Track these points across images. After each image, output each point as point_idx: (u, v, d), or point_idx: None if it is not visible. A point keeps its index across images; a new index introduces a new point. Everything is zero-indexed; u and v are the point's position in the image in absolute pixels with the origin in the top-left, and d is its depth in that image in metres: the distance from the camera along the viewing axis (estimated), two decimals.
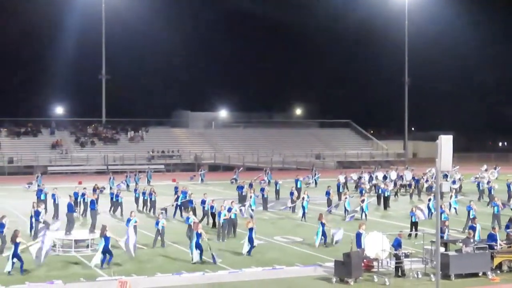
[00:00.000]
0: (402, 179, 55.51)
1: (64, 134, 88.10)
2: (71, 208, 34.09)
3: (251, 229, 28.66)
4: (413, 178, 54.53)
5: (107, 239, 26.21)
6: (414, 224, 32.28)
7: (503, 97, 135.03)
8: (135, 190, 45.04)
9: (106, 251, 26.18)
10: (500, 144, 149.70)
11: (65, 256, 28.12)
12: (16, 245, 25.08)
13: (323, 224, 30.42)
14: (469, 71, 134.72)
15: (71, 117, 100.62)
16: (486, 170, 61.16)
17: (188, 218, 31.27)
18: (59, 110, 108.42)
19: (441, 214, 33.14)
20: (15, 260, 24.93)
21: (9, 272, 24.70)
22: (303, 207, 38.67)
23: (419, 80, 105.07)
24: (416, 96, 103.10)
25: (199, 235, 26.84)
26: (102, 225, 27.09)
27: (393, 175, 57.48)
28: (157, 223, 30.58)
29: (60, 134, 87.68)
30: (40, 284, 23.37)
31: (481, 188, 48.88)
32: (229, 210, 32.91)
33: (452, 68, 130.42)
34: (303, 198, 39.36)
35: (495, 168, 62.53)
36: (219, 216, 32.43)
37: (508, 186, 46.60)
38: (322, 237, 30.28)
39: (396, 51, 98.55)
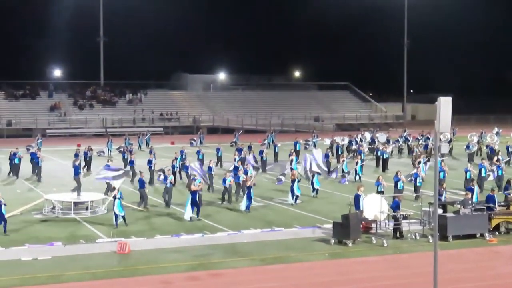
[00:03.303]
0: (375, 142, 54.12)
1: (62, 96, 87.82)
2: (77, 170, 34.24)
3: (249, 187, 30.21)
4: (388, 140, 54.36)
5: (193, 193, 27.50)
6: (380, 193, 30.97)
7: (504, 59, 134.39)
8: (151, 151, 44.27)
9: (194, 203, 27.69)
10: None
11: (64, 218, 28.24)
12: None
13: (293, 181, 31.75)
14: (469, 33, 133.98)
15: (69, 79, 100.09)
16: (497, 133, 60.00)
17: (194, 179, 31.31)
18: (57, 72, 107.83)
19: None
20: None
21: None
22: (292, 169, 38.70)
23: (419, 42, 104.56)
24: (416, 58, 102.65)
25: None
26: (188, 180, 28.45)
27: (367, 136, 57.38)
28: (224, 181, 31.71)
29: (59, 96, 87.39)
30: (39, 246, 23.47)
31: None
32: (245, 172, 33.36)
33: (452, 30, 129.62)
34: (291, 160, 39.42)
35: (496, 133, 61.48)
36: (238, 179, 32.69)
37: (507, 148, 46.74)
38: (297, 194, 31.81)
39: (396, 12, 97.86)
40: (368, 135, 58.13)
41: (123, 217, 26.61)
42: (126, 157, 43.33)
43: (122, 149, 45.97)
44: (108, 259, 22.03)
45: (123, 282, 19.81)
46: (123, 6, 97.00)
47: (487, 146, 49.81)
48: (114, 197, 26.76)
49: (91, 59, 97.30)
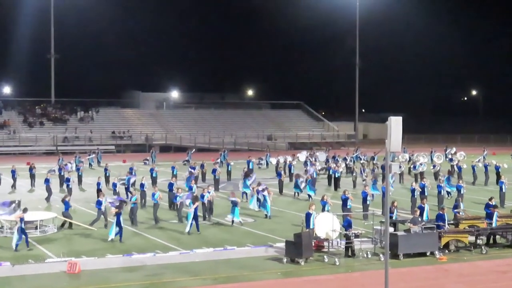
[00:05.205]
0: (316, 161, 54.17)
1: (12, 114, 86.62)
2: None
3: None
4: (327, 159, 54.58)
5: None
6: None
7: (453, 80, 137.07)
8: (106, 169, 45.19)
9: (194, 217, 28.79)
10: None
11: (13, 238, 27.66)
12: None
13: (258, 191, 33.65)
14: (419, 55, 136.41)
15: (19, 97, 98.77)
16: (455, 152, 60.86)
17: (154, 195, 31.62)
18: (6, 89, 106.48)
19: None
20: None
21: None
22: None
23: (370, 62, 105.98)
24: (367, 78, 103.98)
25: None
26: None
27: (302, 156, 57.49)
28: (202, 197, 31.67)
29: (8, 114, 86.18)
30: None
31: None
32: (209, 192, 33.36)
33: (403, 51, 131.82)
34: (248, 179, 39.73)
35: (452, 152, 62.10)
36: (202, 198, 32.37)
37: (473, 168, 47.65)
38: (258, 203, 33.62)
39: (348, 33, 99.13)
40: (304, 154, 58.30)
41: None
42: (80, 173, 44.92)
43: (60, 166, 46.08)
44: (58, 279, 21.66)
45: None
46: (75, 23, 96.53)
47: (433, 166, 50.47)
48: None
49: (41, 76, 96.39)
